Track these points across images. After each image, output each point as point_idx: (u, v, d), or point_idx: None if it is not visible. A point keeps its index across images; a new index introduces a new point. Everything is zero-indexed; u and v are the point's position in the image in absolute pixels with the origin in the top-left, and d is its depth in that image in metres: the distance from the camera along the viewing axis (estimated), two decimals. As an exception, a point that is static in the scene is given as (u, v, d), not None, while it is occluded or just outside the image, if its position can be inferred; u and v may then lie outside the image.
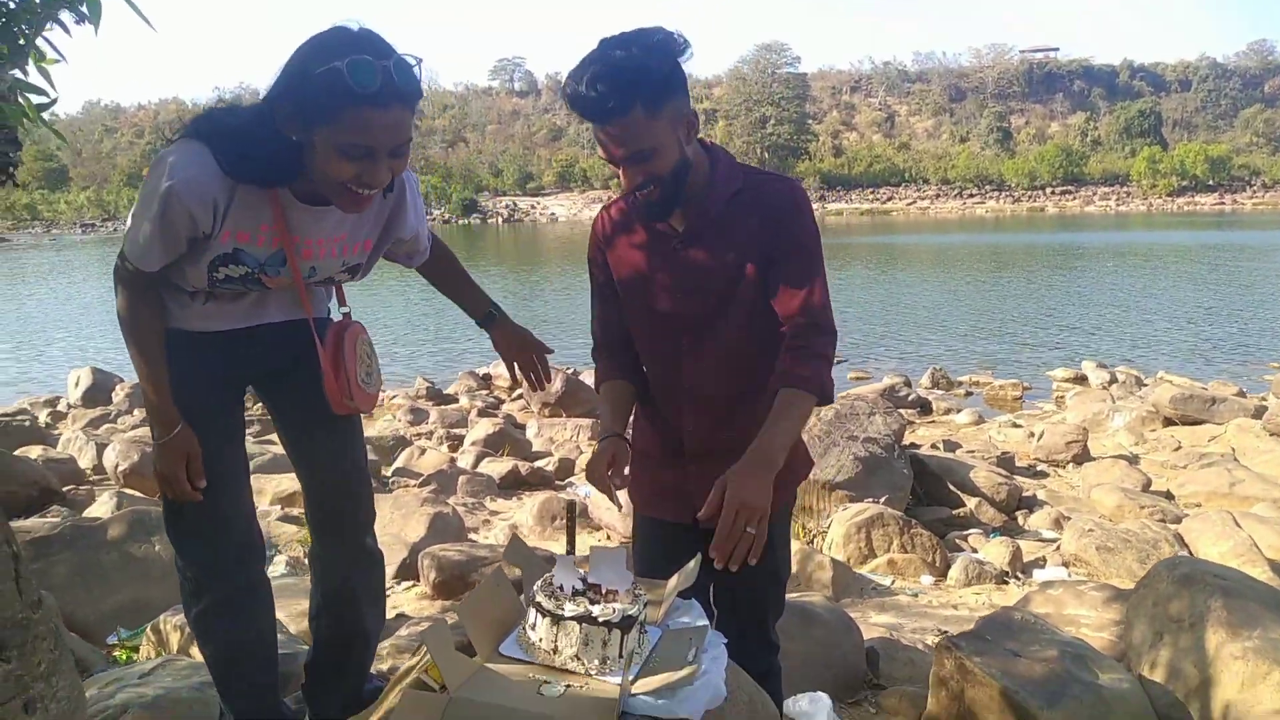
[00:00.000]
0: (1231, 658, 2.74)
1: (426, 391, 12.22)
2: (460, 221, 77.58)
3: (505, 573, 1.71)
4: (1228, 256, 32.06)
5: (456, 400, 12.01)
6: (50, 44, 2.01)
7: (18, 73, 1.98)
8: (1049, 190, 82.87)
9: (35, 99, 2.00)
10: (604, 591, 1.55)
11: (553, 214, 79.65)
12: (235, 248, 1.69)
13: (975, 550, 5.52)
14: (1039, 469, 7.93)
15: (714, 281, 1.88)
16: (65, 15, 1.96)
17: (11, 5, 1.88)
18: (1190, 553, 4.91)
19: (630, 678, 1.44)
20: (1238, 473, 6.86)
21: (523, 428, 9.68)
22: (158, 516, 4.27)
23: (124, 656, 3.36)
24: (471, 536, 5.56)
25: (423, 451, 8.28)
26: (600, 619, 1.47)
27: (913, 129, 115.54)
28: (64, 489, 6.62)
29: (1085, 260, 32.12)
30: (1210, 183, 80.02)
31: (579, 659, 1.47)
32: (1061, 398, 11.62)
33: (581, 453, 8.45)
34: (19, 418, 9.55)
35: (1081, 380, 12.59)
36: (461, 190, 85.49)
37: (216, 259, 1.69)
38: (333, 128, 1.49)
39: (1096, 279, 26.10)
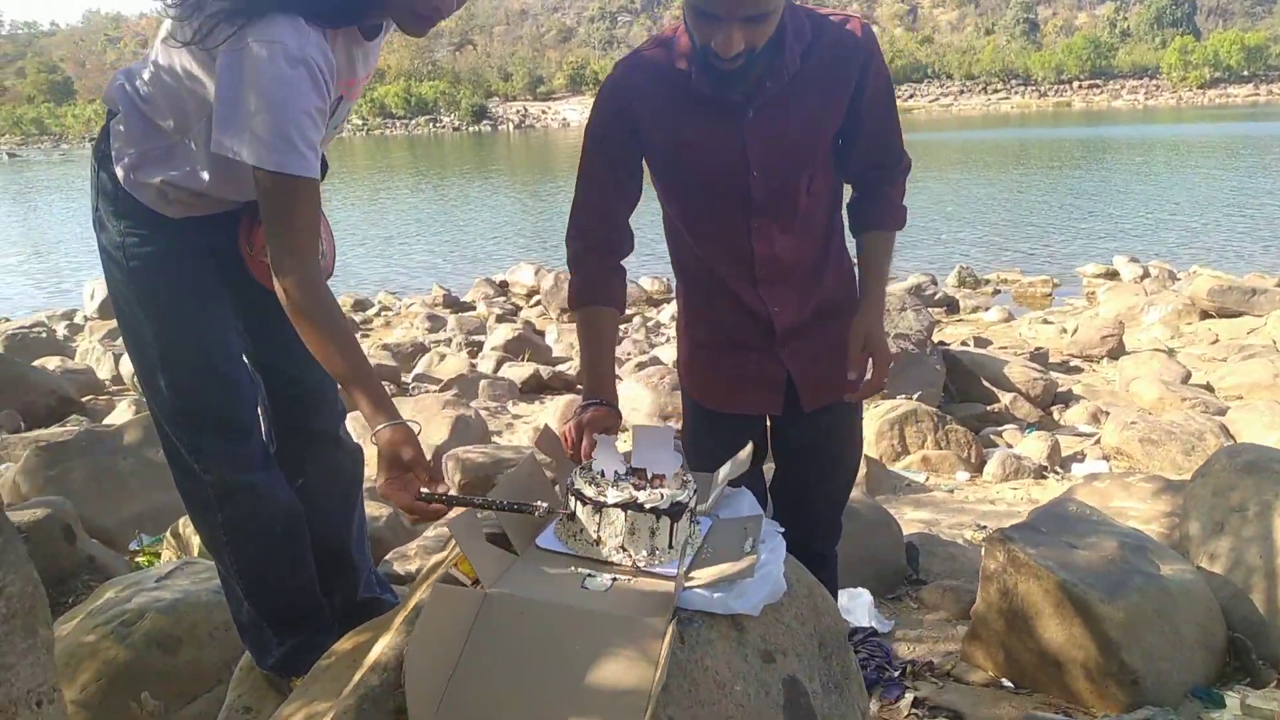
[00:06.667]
0: (1302, 547, 2.59)
1: (443, 299, 12.07)
2: (471, 129, 76.06)
3: (538, 461, 1.56)
4: (1259, 148, 31.03)
5: (474, 308, 11.87)
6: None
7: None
8: (1076, 84, 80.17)
9: None
10: (649, 476, 1.39)
11: (564, 119, 77.93)
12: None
13: (1011, 446, 5.39)
14: (1073, 364, 7.75)
15: (795, 154, 1.65)
16: None
17: None
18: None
19: (684, 570, 1.29)
20: (1281, 364, 6.64)
21: (542, 333, 9.55)
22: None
23: (147, 563, 3.29)
24: (495, 439, 5.47)
25: (442, 357, 8.17)
26: (647, 505, 1.32)
27: (936, 21, 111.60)
28: (83, 399, 6.57)
29: (1112, 155, 31.24)
30: (1245, 73, 77.05)
31: (625, 550, 1.32)
32: (1093, 294, 11.35)
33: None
34: (35, 330, 9.51)
35: (1113, 275, 12.29)
36: (470, 96, 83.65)
37: None
38: None
39: (1124, 174, 25.40)
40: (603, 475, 1.39)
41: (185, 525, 3.06)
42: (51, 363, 7.65)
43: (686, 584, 1.26)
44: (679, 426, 1.88)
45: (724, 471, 1.55)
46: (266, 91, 1.34)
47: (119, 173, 1.56)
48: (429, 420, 4.95)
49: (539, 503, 1.34)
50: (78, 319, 11.53)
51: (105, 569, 3.08)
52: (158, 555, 3.35)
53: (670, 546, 1.33)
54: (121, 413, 5.76)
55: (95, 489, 3.77)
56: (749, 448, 1.58)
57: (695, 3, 1.48)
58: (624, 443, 1.50)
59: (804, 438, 1.87)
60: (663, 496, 1.33)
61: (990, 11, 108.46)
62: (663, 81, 1.63)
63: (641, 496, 1.33)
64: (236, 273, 1.71)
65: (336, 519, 1.95)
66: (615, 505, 1.32)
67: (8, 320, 11.40)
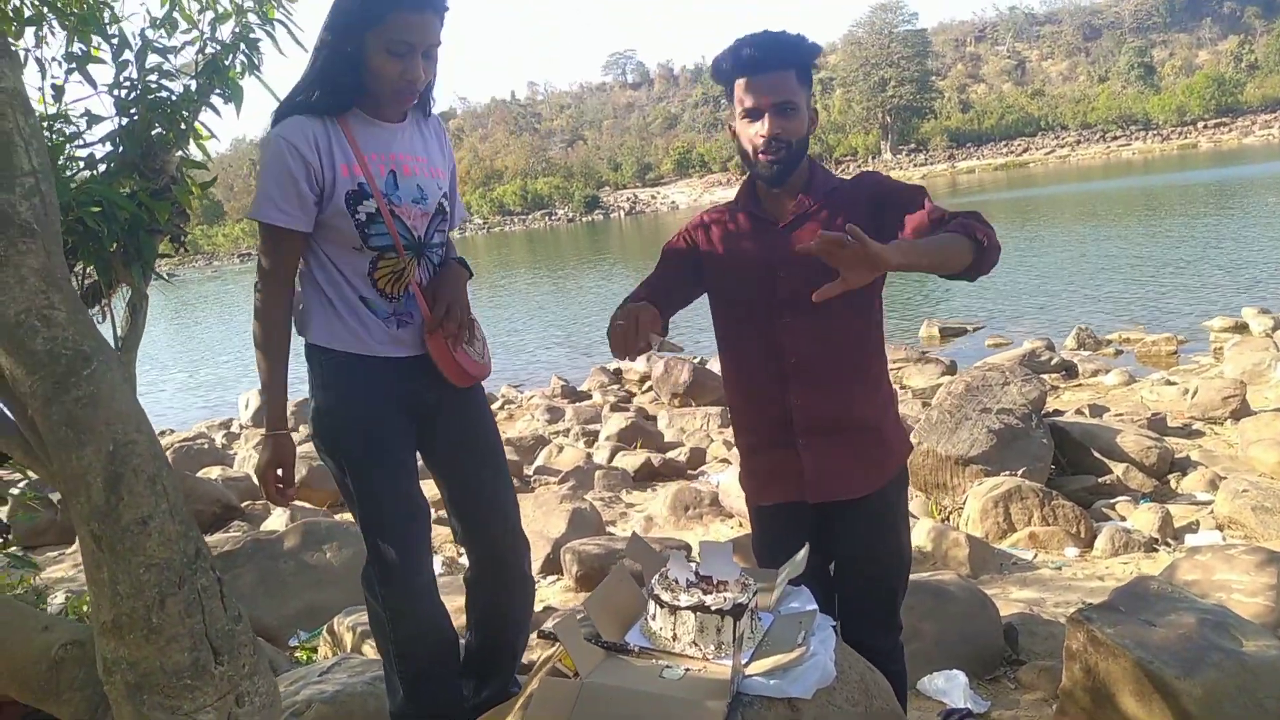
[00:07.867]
0: (1392, 620, 2.63)
1: (561, 390, 12.63)
2: (585, 219, 78.79)
3: (627, 568, 1.88)
4: None
5: (590, 396, 12.36)
6: (204, 125, 2.30)
7: (181, 153, 2.27)
8: (1201, 125, 76.99)
9: (199, 175, 2.30)
10: (715, 582, 1.69)
11: (673, 202, 79.82)
12: (358, 182, 1.95)
13: (1123, 519, 5.36)
14: (1194, 428, 7.55)
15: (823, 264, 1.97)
16: (215, 99, 2.24)
17: (173, 97, 2.17)
18: (1361, 510, 4.62)
19: (744, 660, 1.58)
20: None
21: (654, 419, 9.91)
22: (327, 527, 4.69)
23: (305, 657, 3.73)
24: (610, 529, 5.79)
25: (561, 449, 8.61)
26: (713, 608, 1.61)
27: (1046, 74, 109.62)
28: (242, 504, 7.26)
29: (1244, 197, 29.81)
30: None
31: (696, 645, 1.62)
32: (1220, 349, 10.94)
33: (712, 441, 8.60)
34: (198, 441, 10.48)
35: (1243, 329, 11.82)
36: (583, 188, 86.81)
37: (349, 196, 1.95)
38: (380, 28, 1.86)
39: (1259, 217, 24.19)
40: (677, 583, 1.69)
41: (339, 623, 3.48)
42: (213, 472, 8.47)
43: (746, 673, 1.55)
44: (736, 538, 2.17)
45: (784, 572, 1.83)
46: (261, 166, 1.91)
47: (306, 335, 2.05)
48: (548, 514, 5.32)
49: None
50: (234, 427, 12.59)
51: (270, 665, 3.52)
52: (314, 650, 3.78)
53: (734, 640, 1.61)
54: (278, 516, 6.35)
55: (261, 591, 4.26)
56: (805, 549, 1.86)
57: (740, 107, 1.95)
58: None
59: (840, 534, 2.09)
60: (726, 599, 1.63)
61: (1102, 59, 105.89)
62: (723, 215, 2.16)
63: (708, 600, 1.63)
64: (427, 427, 2.12)
65: (512, 629, 2.34)
66: (687, 608, 1.62)
67: (173, 432, 12.55)
